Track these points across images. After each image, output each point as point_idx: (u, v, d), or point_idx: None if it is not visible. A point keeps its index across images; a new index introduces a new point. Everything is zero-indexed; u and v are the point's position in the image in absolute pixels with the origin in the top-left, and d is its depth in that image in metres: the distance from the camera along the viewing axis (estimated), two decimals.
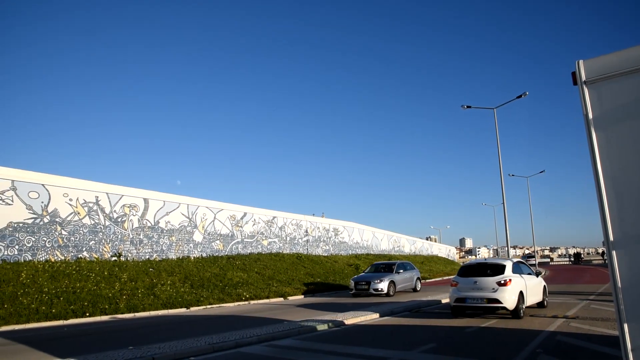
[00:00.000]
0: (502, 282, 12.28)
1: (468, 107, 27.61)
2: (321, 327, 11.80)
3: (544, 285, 14.92)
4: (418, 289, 23.74)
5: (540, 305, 14.38)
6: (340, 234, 41.97)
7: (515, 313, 12.28)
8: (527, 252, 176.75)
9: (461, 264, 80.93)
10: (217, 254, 27.59)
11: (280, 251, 33.12)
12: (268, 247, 32.27)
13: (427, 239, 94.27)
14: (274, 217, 33.76)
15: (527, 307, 13.20)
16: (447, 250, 73.64)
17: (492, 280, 12.46)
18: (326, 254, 38.37)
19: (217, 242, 28.08)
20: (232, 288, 21.34)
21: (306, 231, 37.16)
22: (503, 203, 27.12)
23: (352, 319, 13.02)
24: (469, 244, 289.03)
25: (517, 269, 13.40)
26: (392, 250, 51.44)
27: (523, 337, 9.53)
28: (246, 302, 20.00)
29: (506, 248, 26.69)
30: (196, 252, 26.31)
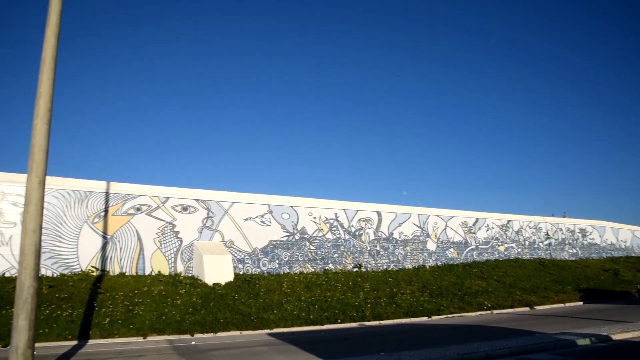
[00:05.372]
0: None
1: None
2: (582, 342, 10.51)
3: None
4: None
5: None
6: (588, 235, 37.03)
7: None
8: None
9: None
10: (451, 262, 27.23)
11: (520, 257, 30.88)
12: (505, 253, 30.46)
13: None
14: (509, 221, 31.76)
15: None
16: None
17: None
18: (573, 258, 34.24)
19: (451, 249, 27.73)
20: (472, 297, 20.72)
21: (547, 234, 33.90)
22: None
23: (621, 333, 11.28)
24: None
25: None
26: None
27: None
28: (488, 312, 19.18)
29: None
30: (431, 261, 26.44)
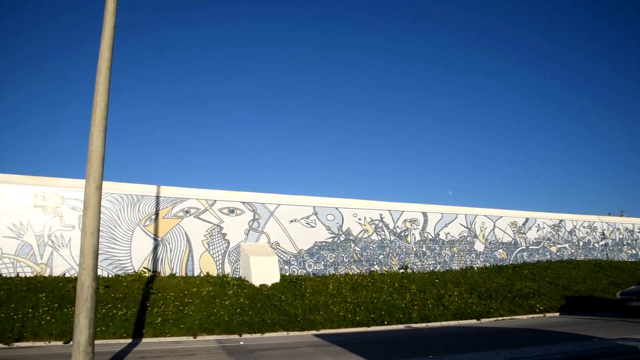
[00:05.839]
0: None
1: None
2: None
3: None
4: None
5: None
6: None
7: None
8: None
9: None
10: (500, 263, 26.54)
11: (573, 258, 29.72)
12: (558, 254, 29.38)
13: None
14: (561, 221, 30.63)
15: None
16: None
17: None
18: (633, 260, 32.63)
19: (500, 250, 27.02)
20: (523, 299, 20.11)
21: (602, 234, 32.45)
22: None
23: None
24: None
25: None
26: None
27: None
28: (541, 315, 18.56)
29: None
30: (479, 262, 25.85)
